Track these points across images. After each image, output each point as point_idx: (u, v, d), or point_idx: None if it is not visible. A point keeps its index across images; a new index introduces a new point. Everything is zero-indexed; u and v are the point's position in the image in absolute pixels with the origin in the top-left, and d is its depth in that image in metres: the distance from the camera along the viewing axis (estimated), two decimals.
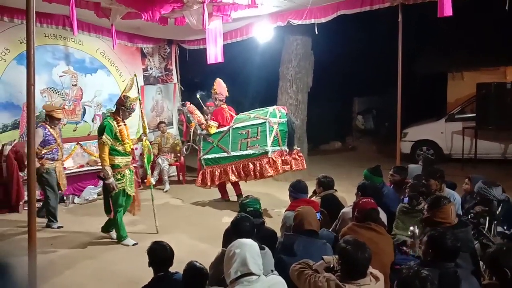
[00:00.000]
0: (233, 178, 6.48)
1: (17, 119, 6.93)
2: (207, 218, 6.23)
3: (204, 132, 6.89)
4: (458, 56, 11.34)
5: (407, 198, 4.27)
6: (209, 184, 6.68)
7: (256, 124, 6.45)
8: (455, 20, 6.31)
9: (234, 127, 6.63)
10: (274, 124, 6.38)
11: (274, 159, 6.25)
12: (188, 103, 7.25)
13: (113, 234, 5.40)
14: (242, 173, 6.41)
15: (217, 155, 6.64)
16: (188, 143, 7.57)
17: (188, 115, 7.11)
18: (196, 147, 7.24)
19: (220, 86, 7.04)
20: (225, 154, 6.59)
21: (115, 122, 5.12)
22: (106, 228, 5.46)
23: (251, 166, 6.32)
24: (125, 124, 5.26)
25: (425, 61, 12.65)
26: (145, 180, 5.84)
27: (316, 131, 10.96)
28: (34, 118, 3.17)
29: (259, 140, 6.32)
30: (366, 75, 13.24)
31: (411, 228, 3.53)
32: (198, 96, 7.59)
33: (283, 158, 6.39)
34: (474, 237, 3.79)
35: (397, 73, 6.58)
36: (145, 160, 5.88)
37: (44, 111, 6.21)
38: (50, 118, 5.97)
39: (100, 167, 7.58)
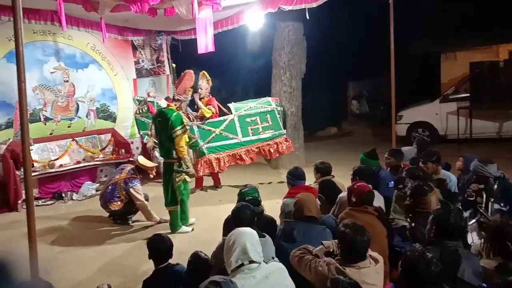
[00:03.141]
0: (248, 160, 6.99)
1: (10, 117, 6.88)
2: (207, 208, 6.25)
3: (198, 122, 6.92)
4: (451, 36, 11.33)
5: (392, 182, 4.30)
6: (216, 170, 6.92)
7: (265, 112, 7.21)
8: (446, 0, 6.29)
9: (239, 115, 7.07)
10: (280, 112, 7.31)
11: (287, 138, 7.30)
12: (151, 93, 7.40)
13: (185, 228, 5.35)
14: (255, 155, 7.08)
15: (224, 142, 6.91)
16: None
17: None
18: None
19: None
20: (235, 140, 6.96)
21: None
22: (175, 227, 5.32)
23: (269, 147, 7.10)
24: None
25: (417, 42, 12.64)
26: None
27: (312, 118, 10.96)
28: (27, 116, 3.16)
29: (272, 125, 7.15)
30: (359, 59, 13.19)
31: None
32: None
33: None
34: (472, 215, 3.83)
35: (390, 56, 6.56)
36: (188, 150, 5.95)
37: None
38: None
39: (98, 163, 7.67)
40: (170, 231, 5.24)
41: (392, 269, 3.17)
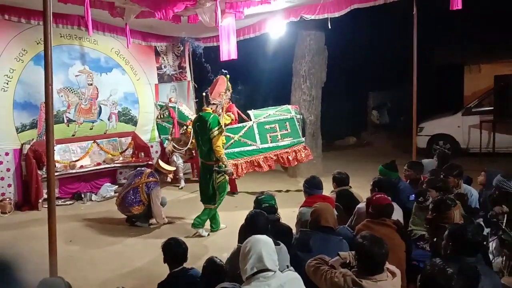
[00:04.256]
0: (265, 167, 6.99)
1: (35, 118, 7.06)
2: (223, 214, 6.25)
3: None
4: (475, 48, 11.14)
5: (413, 195, 4.23)
6: (234, 176, 6.83)
7: (284, 119, 7.22)
8: (471, 11, 6.20)
9: (258, 122, 7.13)
10: (299, 120, 7.32)
11: (306, 146, 7.27)
12: (172, 99, 7.66)
13: (202, 231, 5.44)
14: (273, 162, 7.09)
15: (242, 149, 6.96)
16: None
17: (184, 112, 7.25)
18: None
19: None
20: (253, 147, 6.99)
21: None
22: (199, 223, 5.44)
23: (288, 154, 7.09)
24: None
25: (440, 54, 12.45)
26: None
27: (331, 127, 10.91)
28: (52, 117, 3.24)
29: (291, 133, 7.14)
30: (381, 69, 13.08)
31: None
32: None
33: None
34: (492, 233, 3.73)
35: (413, 66, 6.49)
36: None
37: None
38: None
39: (117, 165, 7.79)
40: (185, 235, 5.27)
41: (409, 284, 3.12)
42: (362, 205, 3.97)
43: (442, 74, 12.59)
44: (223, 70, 5.85)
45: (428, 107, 10.49)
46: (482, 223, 3.79)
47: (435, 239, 3.17)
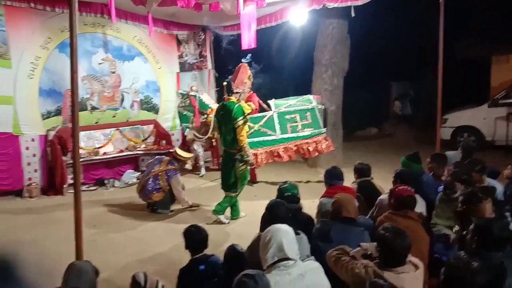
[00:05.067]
0: (285, 157, 6.96)
1: (59, 105, 7.20)
2: (242, 202, 6.28)
3: None
4: (503, 38, 10.77)
5: (442, 186, 4.15)
6: (253, 166, 6.86)
7: (305, 110, 7.15)
8: (499, 0, 5.98)
9: (279, 112, 7.07)
10: (320, 110, 7.25)
11: (327, 137, 7.21)
12: (194, 88, 7.70)
13: (222, 218, 5.50)
14: (293, 153, 7.04)
15: (262, 138, 6.94)
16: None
17: (204, 101, 7.24)
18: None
19: None
20: (272, 137, 6.96)
21: None
22: (220, 210, 5.52)
23: (308, 145, 7.03)
24: None
25: (467, 44, 12.10)
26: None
27: (352, 117, 10.75)
28: (78, 104, 3.30)
29: (312, 123, 7.08)
30: (404, 59, 12.80)
31: (457, 227, 3.41)
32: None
33: None
34: None
35: (437, 56, 6.32)
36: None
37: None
38: None
39: (140, 152, 7.90)
40: (205, 222, 5.33)
41: (430, 277, 3.07)
42: (384, 196, 3.92)
43: (468, 65, 12.25)
44: (246, 58, 5.83)
45: (452, 98, 10.23)
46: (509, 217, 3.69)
47: (464, 232, 3.11)
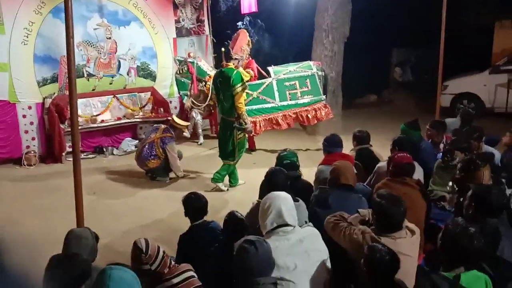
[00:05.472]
0: (284, 125, 6.92)
1: (55, 72, 7.09)
2: (241, 170, 6.31)
3: None
4: (507, 3, 10.51)
5: (441, 153, 4.15)
6: (254, 133, 6.90)
7: (305, 76, 7.02)
8: None
9: (278, 79, 6.94)
10: (321, 77, 7.11)
11: (327, 104, 7.14)
12: (191, 54, 7.51)
13: (221, 186, 5.55)
14: (292, 120, 6.98)
15: (261, 106, 6.85)
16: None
17: (202, 67, 7.12)
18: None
19: None
20: (271, 104, 6.87)
21: None
22: (219, 178, 5.54)
23: (307, 113, 6.96)
24: None
25: (471, 8, 11.82)
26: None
27: (352, 84, 10.62)
28: (74, 71, 3.24)
29: (311, 90, 6.98)
30: (406, 25, 12.51)
31: (450, 183, 3.45)
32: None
33: None
34: None
35: (440, 22, 6.19)
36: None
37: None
38: None
39: (138, 120, 7.85)
40: (204, 189, 5.37)
41: (426, 243, 3.12)
42: (382, 164, 3.93)
43: (471, 31, 12.02)
44: (243, 23, 5.70)
45: (453, 65, 10.09)
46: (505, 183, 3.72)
47: (461, 199, 3.14)
